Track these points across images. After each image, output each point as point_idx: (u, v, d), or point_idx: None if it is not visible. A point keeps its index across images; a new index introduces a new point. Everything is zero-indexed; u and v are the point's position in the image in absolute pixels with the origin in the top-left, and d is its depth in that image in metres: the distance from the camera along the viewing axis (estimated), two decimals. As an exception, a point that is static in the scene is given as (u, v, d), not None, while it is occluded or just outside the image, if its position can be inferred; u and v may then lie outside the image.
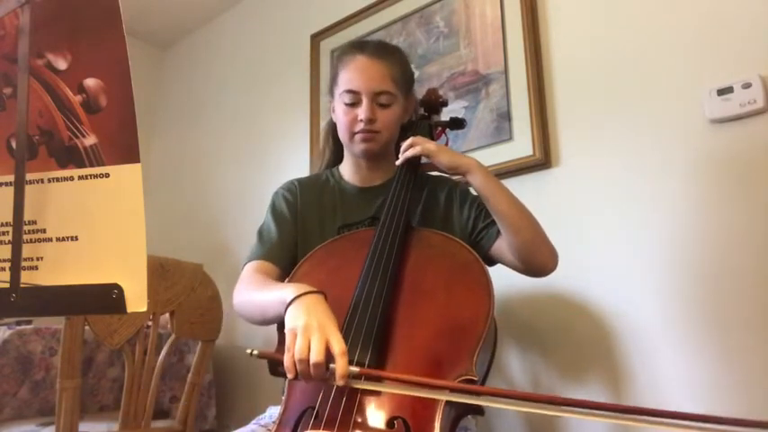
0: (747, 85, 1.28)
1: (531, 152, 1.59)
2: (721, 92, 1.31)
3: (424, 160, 1.17)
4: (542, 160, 1.57)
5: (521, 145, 1.61)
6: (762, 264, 1.24)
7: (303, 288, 0.90)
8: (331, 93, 1.26)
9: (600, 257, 1.45)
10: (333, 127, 1.30)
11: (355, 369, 0.79)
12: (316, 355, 0.78)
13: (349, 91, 1.16)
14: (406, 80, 1.22)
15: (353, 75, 1.16)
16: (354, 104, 1.16)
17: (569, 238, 1.50)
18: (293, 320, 0.84)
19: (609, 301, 1.42)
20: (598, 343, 1.42)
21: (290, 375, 0.81)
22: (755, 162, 1.28)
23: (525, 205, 1.10)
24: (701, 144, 1.35)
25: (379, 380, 0.82)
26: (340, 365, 0.78)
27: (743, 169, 1.30)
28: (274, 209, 1.24)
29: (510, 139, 1.64)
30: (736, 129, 1.31)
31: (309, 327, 0.81)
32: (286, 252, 1.17)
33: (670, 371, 1.31)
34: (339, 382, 0.78)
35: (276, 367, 0.84)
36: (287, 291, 0.91)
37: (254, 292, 1.05)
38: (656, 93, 1.43)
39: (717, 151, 1.33)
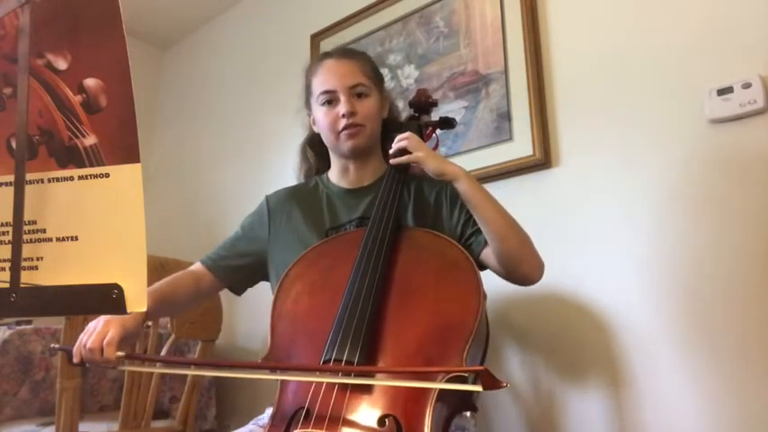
0: (747, 85, 1.28)
1: (531, 152, 1.59)
2: (721, 92, 1.31)
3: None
4: (542, 160, 1.57)
5: (521, 145, 1.61)
6: (761, 263, 1.24)
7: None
8: (307, 105, 1.29)
9: (600, 257, 1.45)
10: (310, 139, 1.35)
11: (121, 354, 0.98)
12: (90, 343, 0.99)
13: (325, 92, 1.20)
14: (376, 76, 1.26)
15: (326, 76, 1.21)
16: (332, 103, 1.19)
17: (569, 237, 1.50)
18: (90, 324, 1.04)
19: (608, 300, 1.42)
20: (597, 342, 1.42)
21: (75, 360, 1.01)
22: (755, 162, 1.28)
23: (512, 214, 1.10)
24: (700, 144, 1.35)
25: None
26: (105, 352, 0.98)
27: (743, 169, 1.29)
28: (243, 223, 1.31)
29: (510, 139, 1.64)
30: (736, 129, 1.31)
31: (96, 324, 1.02)
32: (228, 267, 1.25)
33: (669, 370, 1.31)
34: (108, 365, 1.00)
35: (71, 357, 1.03)
36: None
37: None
38: (656, 93, 1.43)
39: (717, 151, 1.33)
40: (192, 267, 1.26)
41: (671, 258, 1.36)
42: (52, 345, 1.16)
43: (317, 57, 1.30)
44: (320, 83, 1.21)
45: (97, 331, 1.00)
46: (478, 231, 1.13)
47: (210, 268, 1.25)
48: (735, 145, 1.31)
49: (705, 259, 1.31)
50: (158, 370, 0.98)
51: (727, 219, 1.30)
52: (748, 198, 1.28)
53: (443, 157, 1.14)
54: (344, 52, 1.28)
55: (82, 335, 1.02)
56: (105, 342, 0.99)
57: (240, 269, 1.26)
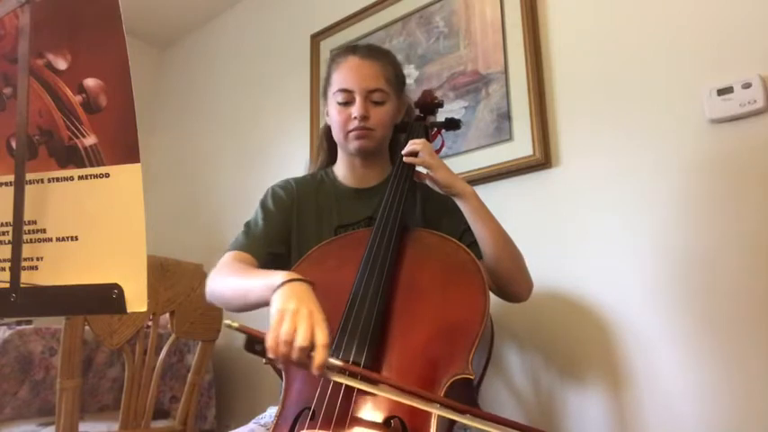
0: (747, 85, 1.28)
1: (531, 152, 1.59)
2: (721, 92, 1.31)
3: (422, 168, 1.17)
4: (542, 160, 1.57)
5: (521, 145, 1.61)
6: (761, 263, 1.24)
7: (293, 275, 0.91)
8: (324, 95, 1.27)
9: (600, 257, 1.45)
10: (327, 129, 1.32)
11: (337, 362, 0.79)
12: (302, 340, 0.78)
13: (342, 90, 1.18)
14: (397, 80, 1.24)
15: (346, 74, 1.19)
16: (348, 103, 1.18)
17: (569, 237, 1.50)
18: (283, 303, 0.84)
19: (608, 300, 1.42)
20: (598, 342, 1.42)
21: (270, 355, 0.80)
22: (755, 162, 1.28)
23: (510, 236, 1.12)
24: (701, 144, 1.35)
25: (374, 382, 0.83)
26: (319, 355, 0.78)
27: (743, 169, 1.29)
28: (264, 203, 1.24)
29: (510, 139, 1.64)
30: (736, 129, 1.31)
31: (299, 312, 0.81)
32: (267, 247, 1.17)
33: (669, 370, 1.31)
34: (315, 371, 0.78)
35: (254, 345, 0.82)
36: (276, 276, 0.92)
37: (234, 277, 1.05)
38: (656, 93, 1.43)
39: (717, 151, 1.33)
40: (231, 258, 1.12)
41: (671, 258, 1.35)
42: (228, 321, 0.81)
43: (343, 49, 1.26)
44: (339, 79, 1.19)
45: (306, 324, 0.79)
46: (475, 245, 1.13)
47: (255, 254, 1.14)
48: (735, 145, 1.31)
49: (706, 259, 1.31)
50: (386, 394, 0.81)
51: (727, 218, 1.30)
52: (748, 198, 1.28)
53: (453, 172, 1.14)
54: (370, 51, 1.23)
55: (279, 323, 0.80)
56: (319, 343, 0.78)
57: (280, 257, 1.18)
